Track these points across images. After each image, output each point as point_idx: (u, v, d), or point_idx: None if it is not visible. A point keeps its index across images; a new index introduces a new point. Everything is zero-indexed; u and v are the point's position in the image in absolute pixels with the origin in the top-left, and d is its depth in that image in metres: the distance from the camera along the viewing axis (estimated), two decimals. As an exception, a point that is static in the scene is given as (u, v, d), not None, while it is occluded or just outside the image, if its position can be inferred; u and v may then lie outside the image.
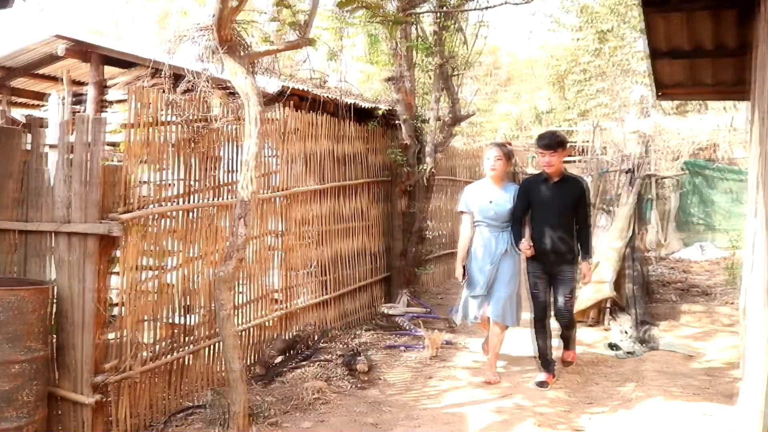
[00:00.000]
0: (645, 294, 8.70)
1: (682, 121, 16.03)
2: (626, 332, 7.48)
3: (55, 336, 4.37)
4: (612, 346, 7.11)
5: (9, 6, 4.05)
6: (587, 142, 16.25)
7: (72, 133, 4.38)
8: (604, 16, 15.57)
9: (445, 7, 8.89)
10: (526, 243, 5.83)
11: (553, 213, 5.81)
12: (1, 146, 4.55)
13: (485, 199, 6.11)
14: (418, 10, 8.69)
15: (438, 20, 8.85)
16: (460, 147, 13.33)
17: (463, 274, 6.18)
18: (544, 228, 5.82)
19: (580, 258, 5.89)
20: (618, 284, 8.28)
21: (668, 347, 7.03)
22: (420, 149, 9.02)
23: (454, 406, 5.46)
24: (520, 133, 23.30)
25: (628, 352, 6.91)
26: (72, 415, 4.39)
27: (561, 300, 5.84)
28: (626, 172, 10.10)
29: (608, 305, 8.18)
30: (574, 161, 16.54)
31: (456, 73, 9.25)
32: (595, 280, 8.17)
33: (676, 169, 14.61)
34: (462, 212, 6.29)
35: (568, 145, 5.66)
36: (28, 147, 4.57)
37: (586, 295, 8.11)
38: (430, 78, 9.73)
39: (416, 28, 9.04)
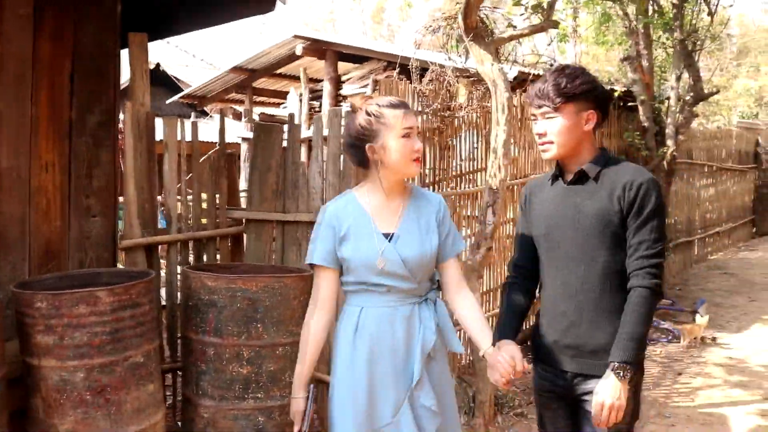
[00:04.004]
0: None
1: None
2: None
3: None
4: None
5: (272, 9, 4.27)
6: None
7: (309, 129, 4.55)
8: None
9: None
10: (507, 360, 2.37)
11: (568, 251, 2.41)
12: (262, 142, 4.84)
13: (366, 234, 2.52)
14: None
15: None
16: (695, 128, 12.45)
17: (302, 417, 2.61)
18: (555, 286, 2.49)
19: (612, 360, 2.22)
20: None
21: None
22: (658, 131, 8.50)
23: (710, 406, 5.09)
24: (760, 110, 21.43)
25: None
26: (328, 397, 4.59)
27: None
28: None
29: None
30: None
31: (698, 48, 8.60)
32: None
33: None
34: (313, 265, 2.61)
35: (599, 96, 2.38)
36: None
37: None
38: (669, 55, 9.15)
39: (652, 4, 8.53)
